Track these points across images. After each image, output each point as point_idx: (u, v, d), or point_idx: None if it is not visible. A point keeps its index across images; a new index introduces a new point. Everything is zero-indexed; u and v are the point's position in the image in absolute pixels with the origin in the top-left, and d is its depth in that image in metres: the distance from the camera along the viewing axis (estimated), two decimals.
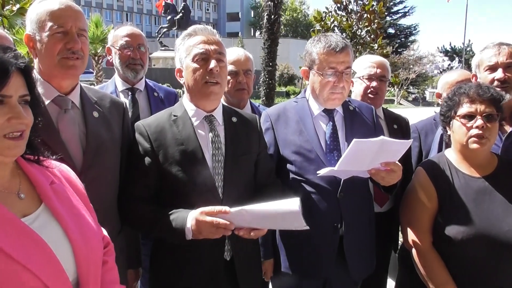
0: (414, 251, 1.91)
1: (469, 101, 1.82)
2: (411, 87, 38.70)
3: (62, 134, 1.61)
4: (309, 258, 2.01)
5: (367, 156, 1.71)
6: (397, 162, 1.78)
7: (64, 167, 1.35)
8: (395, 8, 43.16)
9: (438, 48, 45.74)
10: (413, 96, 42.20)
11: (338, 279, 2.03)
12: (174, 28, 26.21)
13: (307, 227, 1.53)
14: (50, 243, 1.10)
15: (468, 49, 42.03)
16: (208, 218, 1.54)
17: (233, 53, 2.51)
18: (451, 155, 1.96)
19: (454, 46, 45.69)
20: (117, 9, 59.68)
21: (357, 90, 2.62)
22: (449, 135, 1.94)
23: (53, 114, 1.62)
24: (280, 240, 2.09)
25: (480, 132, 1.78)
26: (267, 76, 12.47)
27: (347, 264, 1.99)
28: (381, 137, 1.67)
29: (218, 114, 1.84)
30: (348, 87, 2.05)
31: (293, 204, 1.46)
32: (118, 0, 59.66)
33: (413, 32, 45.07)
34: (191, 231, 1.58)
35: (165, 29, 26.85)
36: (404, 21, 46.19)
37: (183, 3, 27.54)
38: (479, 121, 1.78)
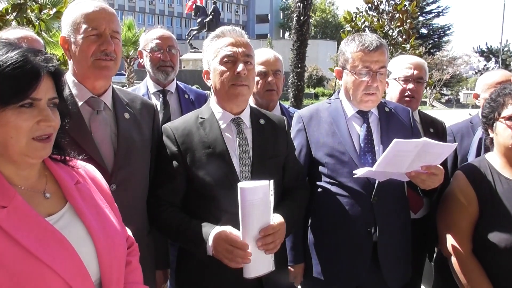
0: (453, 258, 1.83)
1: None
2: (444, 89, 37.60)
3: (94, 134, 1.62)
4: (341, 264, 1.95)
5: (407, 158, 1.64)
6: (438, 165, 1.70)
7: (90, 167, 1.35)
8: (428, 8, 42.04)
9: (473, 48, 44.19)
10: (446, 97, 40.98)
11: (371, 286, 1.96)
12: (204, 31, 26.55)
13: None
14: (73, 242, 1.10)
15: (505, 49, 40.43)
16: (226, 244, 1.53)
17: (263, 53, 2.50)
18: (493, 159, 1.86)
19: (491, 46, 43.88)
20: (149, 12, 61.07)
21: (392, 92, 2.53)
22: (491, 138, 1.85)
23: (86, 115, 1.64)
24: (312, 244, 2.04)
25: None
26: (295, 77, 12.41)
27: (382, 271, 1.92)
28: (424, 138, 1.60)
29: (246, 117, 1.82)
30: (382, 88, 1.97)
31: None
32: (150, 3, 61.10)
33: (447, 32, 43.78)
34: (211, 250, 1.58)
35: (195, 32, 27.26)
36: (438, 21, 45.06)
37: (213, 6, 27.87)
38: None
